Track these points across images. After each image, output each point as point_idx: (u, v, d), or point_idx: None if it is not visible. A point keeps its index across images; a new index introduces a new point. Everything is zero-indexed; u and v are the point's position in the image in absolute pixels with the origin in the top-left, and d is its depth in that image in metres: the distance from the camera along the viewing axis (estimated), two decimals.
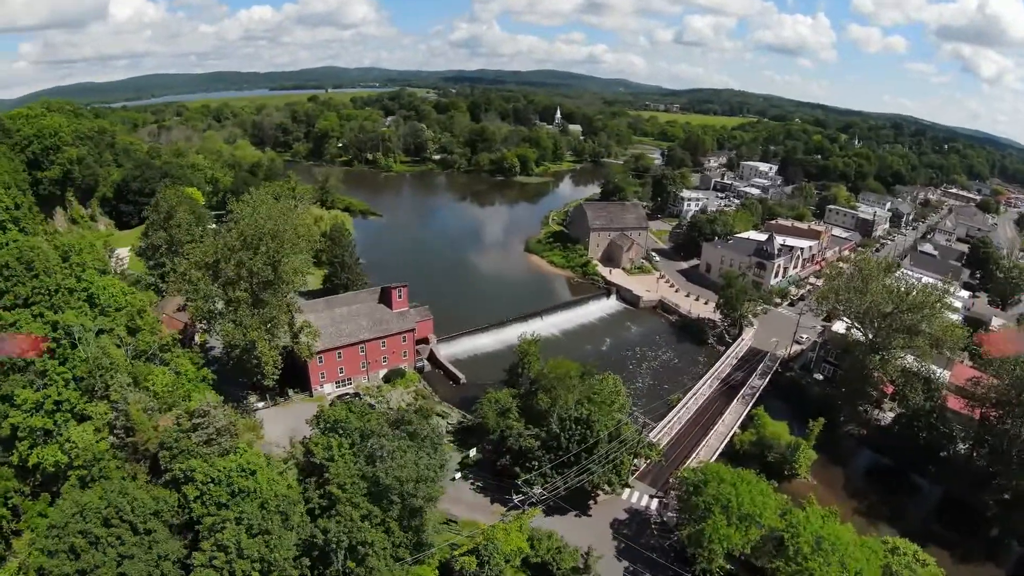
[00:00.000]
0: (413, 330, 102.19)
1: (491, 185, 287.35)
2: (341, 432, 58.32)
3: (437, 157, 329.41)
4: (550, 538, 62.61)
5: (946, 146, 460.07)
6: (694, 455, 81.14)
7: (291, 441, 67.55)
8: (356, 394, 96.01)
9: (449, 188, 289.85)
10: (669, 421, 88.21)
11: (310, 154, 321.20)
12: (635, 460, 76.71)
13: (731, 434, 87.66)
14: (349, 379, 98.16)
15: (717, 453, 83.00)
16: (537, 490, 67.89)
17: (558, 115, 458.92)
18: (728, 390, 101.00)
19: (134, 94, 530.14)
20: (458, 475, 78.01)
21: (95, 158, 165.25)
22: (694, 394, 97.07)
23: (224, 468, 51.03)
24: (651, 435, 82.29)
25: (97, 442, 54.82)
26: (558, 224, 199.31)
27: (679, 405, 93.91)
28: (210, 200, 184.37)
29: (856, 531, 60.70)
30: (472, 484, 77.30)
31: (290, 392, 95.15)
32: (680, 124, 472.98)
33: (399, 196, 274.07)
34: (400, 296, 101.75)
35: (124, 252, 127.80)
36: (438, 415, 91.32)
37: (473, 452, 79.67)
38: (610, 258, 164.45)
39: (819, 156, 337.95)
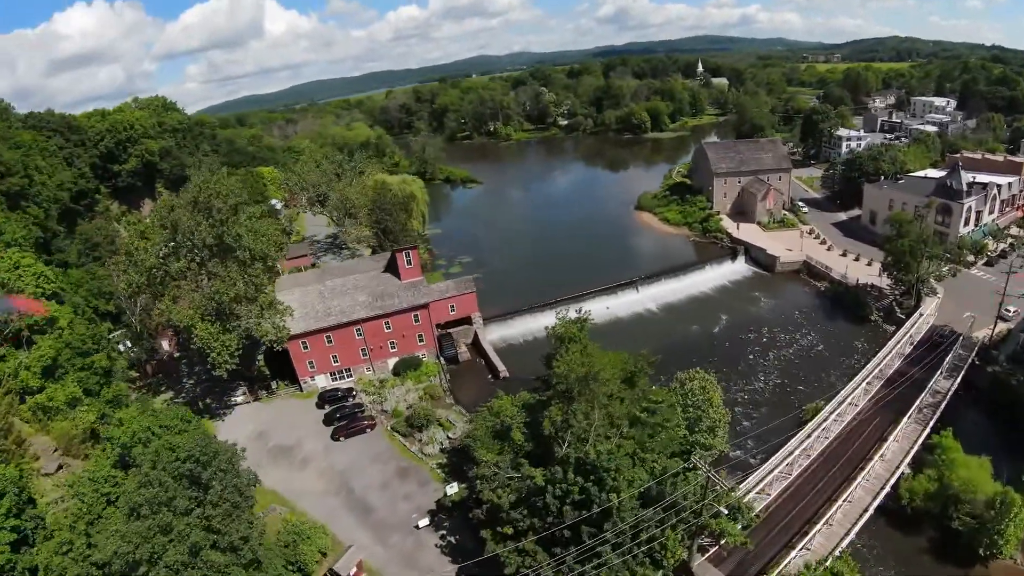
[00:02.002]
0: (426, 306, 77.30)
1: (617, 144, 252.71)
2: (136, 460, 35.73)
3: (563, 123, 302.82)
4: None
5: None
6: (824, 521, 45.28)
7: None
8: (349, 390, 74.26)
9: (569, 152, 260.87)
10: (788, 454, 52.31)
11: (432, 131, 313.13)
12: (704, 534, 43.49)
13: (894, 477, 49.66)
14: (347, 370, 76.74)
15: (866, 515, 46.20)
16: None
17: (700, 67, 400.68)
18: (896, 398, 60.34)
19: (294, 101, 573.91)
20: (424, 522, 51.87)
21: (191, 149, 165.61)
22: (841, 404, 58.91)
23: None
24: (749, 484, 47.96)
25: None
26: (682, 176, 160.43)
27: (815, 422, 57.07)
28: None
29: None
30: (442, 538, 50.66)
31: (273, 385, 76.65)
32: (840, 71, 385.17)
33: (510, 164, 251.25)
34: (410, 262, 77.39)
35: None
36: (439, 424, 65.71)
37: (454, 488, 52.46)
38: (741, 210, 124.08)
39: (1004, 88, 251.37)
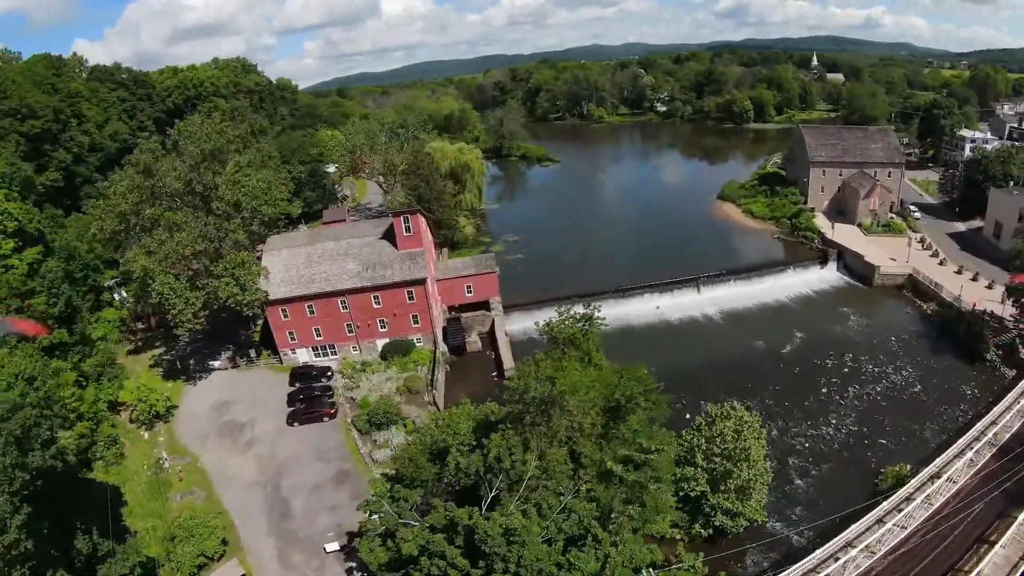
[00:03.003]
0: (423, 282, 66.57)
1: (715, 133, 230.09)
2: None
3: (662, 108, 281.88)
4: None
5: None
6: None
7: None
8: (325, 369, 65.49)
9: (662, 138, 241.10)
10: (844, 546, 36.26)
11: (524, 110, 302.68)
12: None
13: None
14: (332, 346, 68.13)
15: None
16: None
17: (814, 60, 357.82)
18: (1011, 477, 40.45)
19: (405, 80, 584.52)
20: (334, 546, 41.54)
21: (269, 112, 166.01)
22: (934, 479, 41.25)
23: None
24: None
25: None
26: (778, 166, 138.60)
27: (892, 502, 40.17)
28: None
29: None
30: (349, 572, 40.08)
31: (252, 353, 69.63)
32: (966, 77, 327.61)
33: (597, 146, 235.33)
34: (409, 230, 66.79)
35: None
36: (403, 424, 55.04)
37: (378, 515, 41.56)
38: (840, 208, 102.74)
39: None
